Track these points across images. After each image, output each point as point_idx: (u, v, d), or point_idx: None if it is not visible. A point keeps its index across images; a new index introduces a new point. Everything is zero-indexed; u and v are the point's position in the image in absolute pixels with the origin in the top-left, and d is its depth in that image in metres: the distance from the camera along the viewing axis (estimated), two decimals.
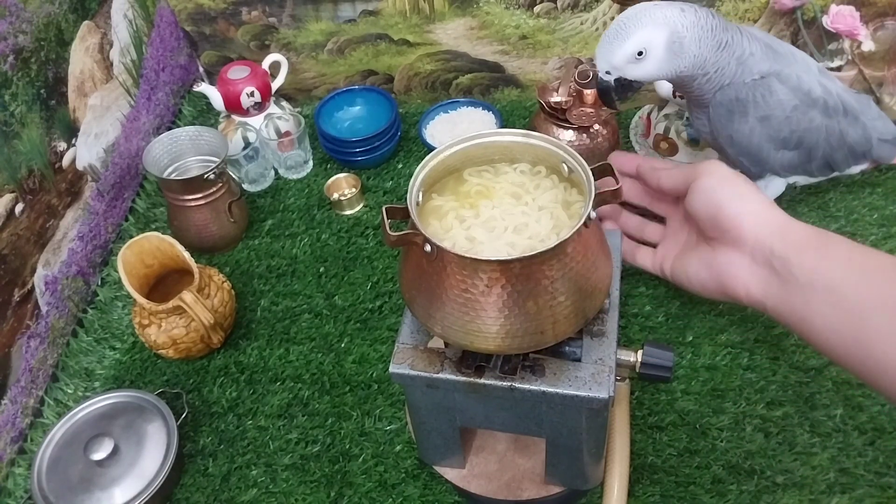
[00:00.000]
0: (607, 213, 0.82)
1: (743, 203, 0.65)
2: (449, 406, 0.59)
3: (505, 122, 1.04)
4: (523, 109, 1.07)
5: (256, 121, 1.00)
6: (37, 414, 0.79)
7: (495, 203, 0.57)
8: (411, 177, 0.54)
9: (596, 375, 0.54)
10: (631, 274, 0.84)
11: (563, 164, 0.56)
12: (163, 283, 0.83)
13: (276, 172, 1.02)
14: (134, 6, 1.03)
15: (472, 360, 0.55)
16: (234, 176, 0.96)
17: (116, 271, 0.79)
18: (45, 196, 0.84)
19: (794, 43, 0.96)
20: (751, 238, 0.63)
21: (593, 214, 0.52)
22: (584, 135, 0.90)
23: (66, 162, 0.88)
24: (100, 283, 0.92)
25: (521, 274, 0.49)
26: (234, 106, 0.99)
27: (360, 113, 1.05)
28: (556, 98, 0.89)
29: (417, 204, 0.54)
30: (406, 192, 0.54)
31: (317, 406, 0.77)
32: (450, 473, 0.66)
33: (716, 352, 0.77)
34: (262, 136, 0.98)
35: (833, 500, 0.66)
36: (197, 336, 0.78)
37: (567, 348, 0.56)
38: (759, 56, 0.70)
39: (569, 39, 1.03)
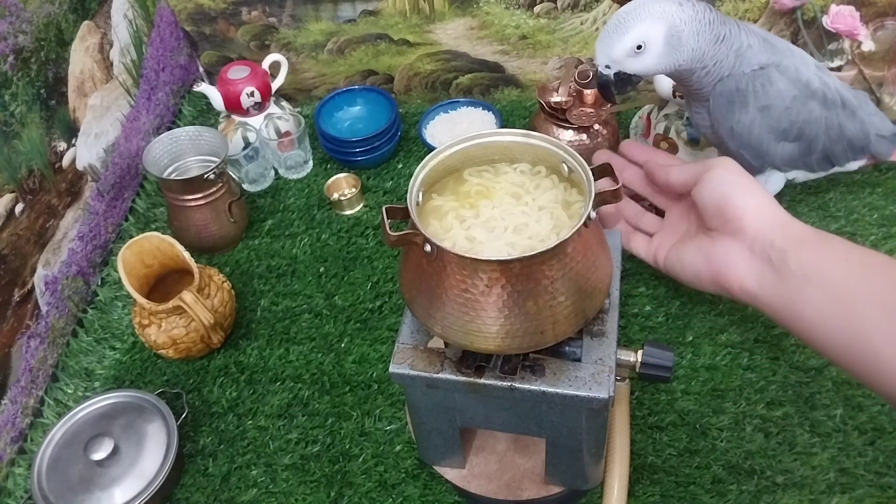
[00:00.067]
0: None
1: (750, 197, 0.66)
2: (449, 406, 0.59)
3: (505, 122, 1.04)
4: (523, 109, 1.07)
5: (256, 121, 1.00)
6: (37, 414, 0.79)
7: (495, 203, 0.57)
8: (411, 177, 0.54)
9: (596, 375, 0.54)
10: (631, 274, 0.84)
11: (563, 164, 0.56)
12: (163, 283, 0.83)
13: (276, 172, 1.02)
14: (134, 6, 1.03)
15: (472, 360, 0.55)
16: (234, 176, 0.96)
17: (116, 271, 0.79)
18: (45, 196, 0.84)
19: (794, 43, 0.95)
20: (752, 230, 0.64)
21: (593, 214, 0.52)
22: (584, 135, 0.90)
23: (66, 162, 0.88)
24: (100, 283, 0.92)
25: (521, 274, 0.49)
26: (234, 106, 0.99)
27: (360, 113, 1.05)
28: (556, 98, 0.89)
29: (417, 204, 0.54)
30: (406, 192, 0.54)
31: (317, 406, 0.77)
32: (450, 473, 0.66)
33: (716, 352, 0.77)
34: (262, 136, 0.98)
35: (833, 500, 0.66)
36: (197, 336, 0.78)
37: (567, 348, 0.56)
38: (757, 48, 0.70)
39: (569, 39, 1.03)
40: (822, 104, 0.73)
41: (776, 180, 0.80)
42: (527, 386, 0.54)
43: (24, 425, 0.77)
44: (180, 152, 0.92)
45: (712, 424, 0.72)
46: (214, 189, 0.88)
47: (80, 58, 0.92)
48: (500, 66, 1.07)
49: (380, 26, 1.04)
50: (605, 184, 0.53)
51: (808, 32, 0.95)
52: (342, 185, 0.98)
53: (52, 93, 0.86)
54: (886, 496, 0.66)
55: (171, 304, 0.75)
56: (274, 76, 1.04)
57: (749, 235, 0.64)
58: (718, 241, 0.67)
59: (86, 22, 0.93)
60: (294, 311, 0.86)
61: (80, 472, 0.69)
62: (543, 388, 0.53)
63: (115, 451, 0.69)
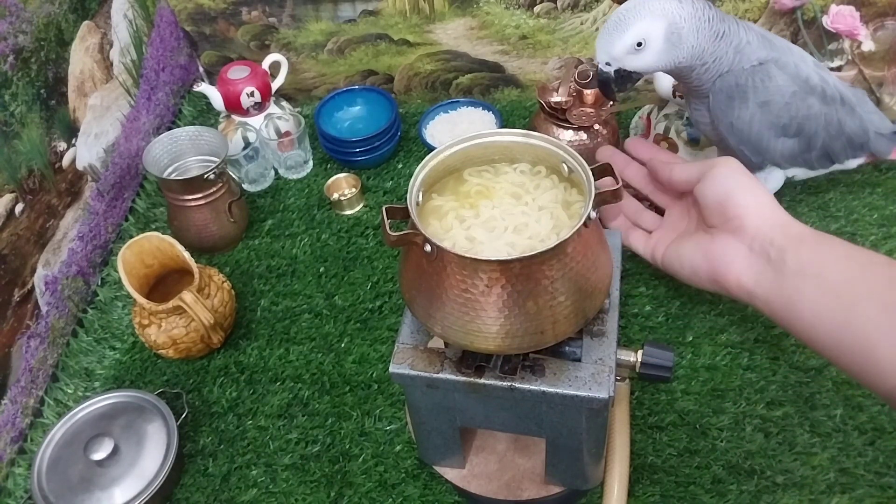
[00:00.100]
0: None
1: (752, 196, 0.66)
2: (449, 406, 0.59)
3: (505, 122, 1.04)
4: (523, 109, 1.07)
5: (256, 121, 1.00)
6: (37, 414, 0.79)
7: (495, 203, 0.57)
8: (411, 177, 0.54)
9: (596, 375, 0.54)
10: (631, 274, 0.84)
11: (563, 164, 0.56)
12: (163, 283, 0.83)
13: (276, 172, 1.02)
14: (134, 6, 1.03)
15: (472, 360, 0.55)
16: (234, 176, 0.96)
17: (116, 271, 0.79)
18: (45, 196, 0.84)
19: (794, 43, 0.95)
20: (752, 228, 0.64)
21: (593, 214, 0.52)
22: (584, 135, 0.90)
23: (66, 162, 0.88)
24: (100, 283, 0.92)
25: (521, 274, 0.49)
26: (234, 106, 0.99)
27: (360, 113, 1.05)
28: (556, 98, 0.89)
29: (417, 204, 0.54)
30: (406, 192, 0.54)
31: (317, 406, 0.77)
32: (450, 473, 0.66)
33: (716, 352, 0.77)
34: (262, 136, 0.98)
35: (833, 500, 0.66)
36: (197, 336, 0.78)
37: (567, 348, 0.56)
38: (756, 45, 0.71)
39: (569, 39, 1.03)
40: (822, 100, 0.74)
41: (776, 178, 0.80)
42: (527, 386, 0.54)
43: (24, 425, 0.77)
44: (180, 152, 0.92)
45: (712, 424, 0.72)
46: (214, 189, 0.88)
47: (80, 58, 0.92)
48: (500, 66, 1.07)
49: (380, 26, 1.04)
50: (606, 183, 0.53)
51: (808, 32, 0.95)
52: (342, 185, 0.98)
53: (52, 93, 0.86)
54: (886, 496, 0.66)
55: (171, 304, 0.75)
56: (274, 76, 1.04)
57: (749, 233, 0.65)
58: (718, 238, 0.67)
59: (86, 22, 0.93)
60: (294, 311, 0.86)
61: (80, 472, 0.69)
62: (543, 388, 0.53)
63: (115, 451, 0.69)
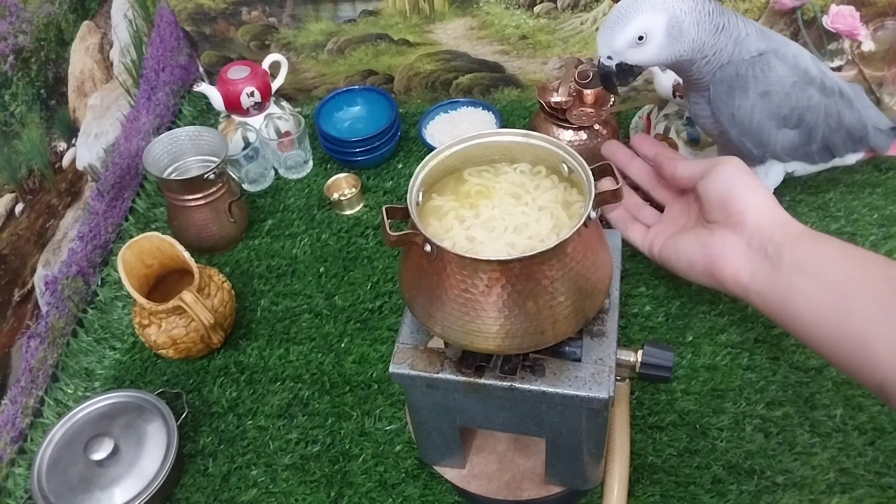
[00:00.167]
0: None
1: (754, 195, 0.67)
2: (449, 406, 0.59)
3: (505, 122, 1.04)
4: (523, 109, 1.07)
5: (256, 121, 1.00)
6: (37, 414, 0.79)
7: (495, 203, 0.57)
8: (411, 177, 0.54)
9: (596, 375, 0.54)
10: (631, 274, 0.84)
11: (563, 164, 0.56)
12: (163, 283, 0.83)
13: (276, 172, 1.02)
14: (134, 6, 1.03)
15: (472, 360, 0.55)
16: (234, 176, 0.96)
17: (116, 271, 0.79)
18: (45, 196, 0.84)
19: None
20: (752, 225, 0.65)
21: (593, 214, 0.52)
22: (584, 135, 0.90)
23: (66, 162, 0.88)
24: (100, 283, 0.92)
25: (521, 274, 0.49)
26: (234, 106, 0.99)
27: (360, 113, 1.05)
28: (556, 98, 0.89)
29: (417, 204, 0.54)
30: (406, 192, 0.54)
31: (317, 406, 0.77)
32: (450, 473, 0.66)
33: (716, 352, 0.77)
34: (262, 136, 0.98)
35: (833, 500, 0.66)
36: (197, 336, 0.78)
37: (567, 348, 0.56)
38: (755, 37, 0.71)
39: (569, 39, 1.03)
40: (821, 91, 0.74)
41: (776, 172, 0.80)
42: (527, 386, 0.54)
43: (24, 425, 0.77)
44: (180, 152, 0.92)
45: (712, 424, 0.72)
46: (214, 189, 0.88)
47: (80, 58, 0.92)
48: (500, 66, 1.07)
49: (380, 26, 1.04)
50: (606, 184, 0.53)
51: (808, 32, 0.95)
52: (342, 185, 0.98)
53: (52, 93, 0.86)
54: (886, 496, 0.66)
55: (171, 304, 0.75)
56: (274, 76, 1.04)
57: (749, 229, 0.65)
58: (717, 233, 0.68)
59: (86, 22, 0.93)
60: (294, 311, 0.86)
61: (80, 472, 0.69)
62: (543, 388, 0.53)
63: (115, 451, 0.69)
